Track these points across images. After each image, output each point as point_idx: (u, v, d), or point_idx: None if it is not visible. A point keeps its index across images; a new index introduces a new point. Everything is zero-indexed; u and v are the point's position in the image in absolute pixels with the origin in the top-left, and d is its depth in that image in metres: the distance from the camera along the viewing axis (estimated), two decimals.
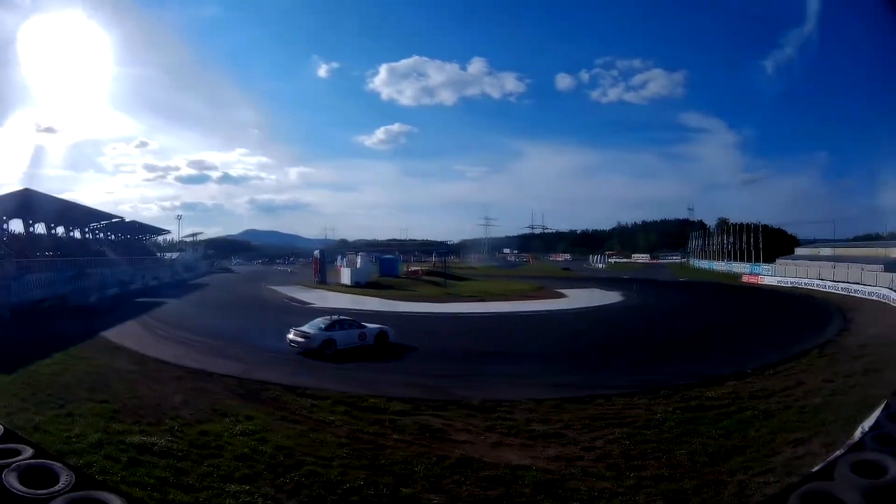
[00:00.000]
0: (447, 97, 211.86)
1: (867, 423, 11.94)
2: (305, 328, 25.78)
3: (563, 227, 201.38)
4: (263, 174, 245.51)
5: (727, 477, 12.36)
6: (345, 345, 25.52)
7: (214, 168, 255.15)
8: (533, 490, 11.27)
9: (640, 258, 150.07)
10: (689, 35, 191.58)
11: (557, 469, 12.55)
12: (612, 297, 54.65)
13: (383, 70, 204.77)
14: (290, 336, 25.53)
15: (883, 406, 11.82)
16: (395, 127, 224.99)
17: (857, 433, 11.72)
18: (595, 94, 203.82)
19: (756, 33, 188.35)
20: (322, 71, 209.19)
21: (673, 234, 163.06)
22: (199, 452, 12.46)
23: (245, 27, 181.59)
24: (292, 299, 49.11)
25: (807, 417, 16.32)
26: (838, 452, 9.88)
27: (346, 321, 27.28)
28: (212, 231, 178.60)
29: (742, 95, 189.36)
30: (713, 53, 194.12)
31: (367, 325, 27.74)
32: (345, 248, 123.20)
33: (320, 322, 26.33)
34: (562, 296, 55.70)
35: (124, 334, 28.58)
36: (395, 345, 27.06)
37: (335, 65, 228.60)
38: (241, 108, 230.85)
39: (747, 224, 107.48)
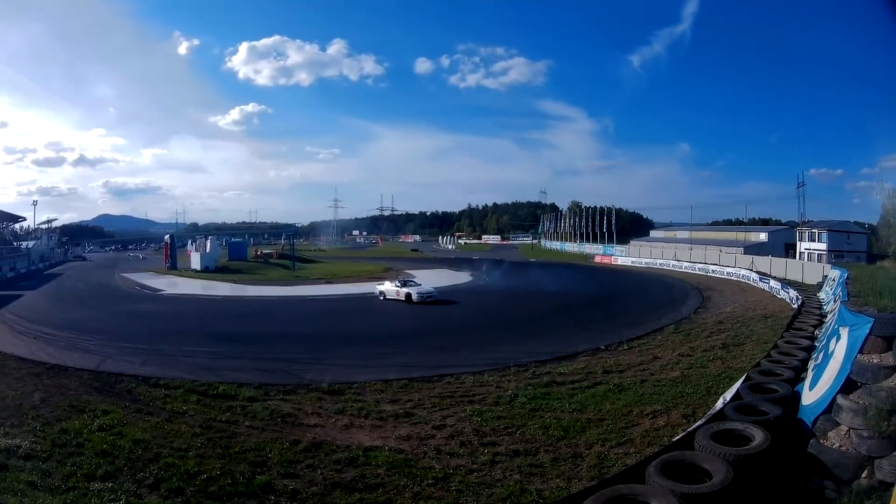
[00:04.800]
0: (304, 78, 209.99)
1: (728, 394, 12.39)
2: None
3: (413, 209, 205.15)
4: (119, 156, 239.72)
5: (584, 449, 12.64)
6: None
7: (71, 150, 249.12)
8: (387, 471, 11.36)
9: (491, 239, 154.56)
10: (557, 27, 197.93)
11: (410, 448, 12.72)
12: (461, 277, 57.97)
13: (243, 48, 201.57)
14: None
15: (744, 378, 12.28)
16: (250, 107, 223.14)
17: (719, 403, 12.15)
18: (454, 80, 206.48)
19: (626, 29, 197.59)
20: (182, 48, 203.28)
21: (524, 217, 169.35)
22: (61, 452, 12.11)
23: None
24: (143, 286, 50.91)
25: (664, 390, 17.12)
26: (699, 422, 10.12)
27: None
28: (66, 217, 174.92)
29: (606, 86, 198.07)
30: (580, 45, 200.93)
31: None
32: (195, 232, 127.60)
33: None
34: (411, 277, 56.29)
35: None
36: None
37: (195, 42, 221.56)
38: (100, 84, 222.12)
39: (601, 207, 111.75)
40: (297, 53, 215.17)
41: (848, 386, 8.77)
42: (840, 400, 8.59)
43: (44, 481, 10.63)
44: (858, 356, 9.01)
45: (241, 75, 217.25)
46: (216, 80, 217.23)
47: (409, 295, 36.97)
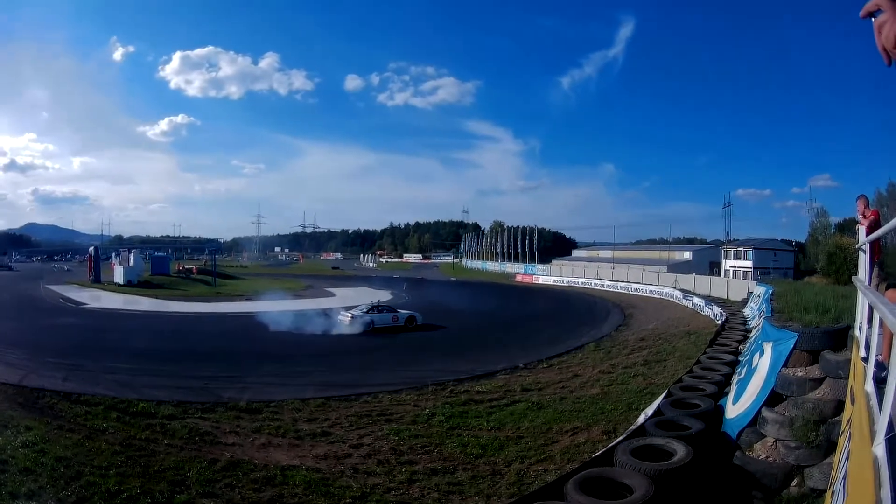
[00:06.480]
0: (235, 91, 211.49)
1: (650, 410, 12.38)
2: None
3: (335, 226, 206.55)
4: (49, 163, 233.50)
5: (503, 467, 12.66)
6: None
7: (3, 154, 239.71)
8: (304, 490, 11.28)
9: (412, 258, 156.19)
10: (489, 47, 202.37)
11: (327, 467, 12.66)
12: (381, 296, 57.26)
13: (177, 58, 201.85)
14: None
15: (665, 394, 12.32)
16: (179, 118, 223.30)
17: (640, 419, 12.13)
18: (382, 97, 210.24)
19: (558, 52, 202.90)
20: (118, 54, 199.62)
21: (446, 236, 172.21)
22: None
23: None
24: (67, 299, 50.37)
25: (584, 407, 17.28)
26: (620, 438, 10.06)
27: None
28: None
29: (534, 107, 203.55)
30: (511, 66, 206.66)
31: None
32: (120, 244, 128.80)
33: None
34: (331, 295, 57.40)
35: None
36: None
37: (131, 48, 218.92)
38: (34, 87, 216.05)
39: (523, 227, 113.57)
40: (229, 65, 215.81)
41: (773, 399, 8.88)
42: (765, 412, 8.70)
43: None
44: (783, 370, 9.18)
45: (172, 85, 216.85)
46: (148, 89, 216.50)
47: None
